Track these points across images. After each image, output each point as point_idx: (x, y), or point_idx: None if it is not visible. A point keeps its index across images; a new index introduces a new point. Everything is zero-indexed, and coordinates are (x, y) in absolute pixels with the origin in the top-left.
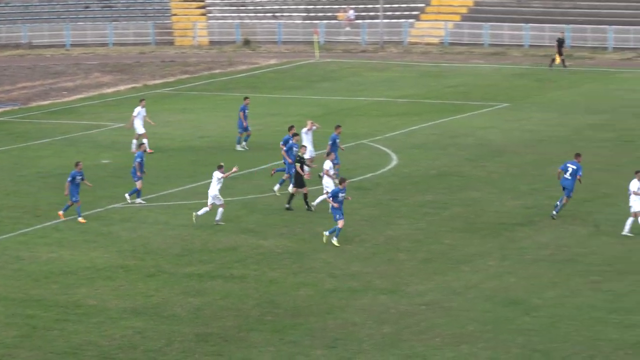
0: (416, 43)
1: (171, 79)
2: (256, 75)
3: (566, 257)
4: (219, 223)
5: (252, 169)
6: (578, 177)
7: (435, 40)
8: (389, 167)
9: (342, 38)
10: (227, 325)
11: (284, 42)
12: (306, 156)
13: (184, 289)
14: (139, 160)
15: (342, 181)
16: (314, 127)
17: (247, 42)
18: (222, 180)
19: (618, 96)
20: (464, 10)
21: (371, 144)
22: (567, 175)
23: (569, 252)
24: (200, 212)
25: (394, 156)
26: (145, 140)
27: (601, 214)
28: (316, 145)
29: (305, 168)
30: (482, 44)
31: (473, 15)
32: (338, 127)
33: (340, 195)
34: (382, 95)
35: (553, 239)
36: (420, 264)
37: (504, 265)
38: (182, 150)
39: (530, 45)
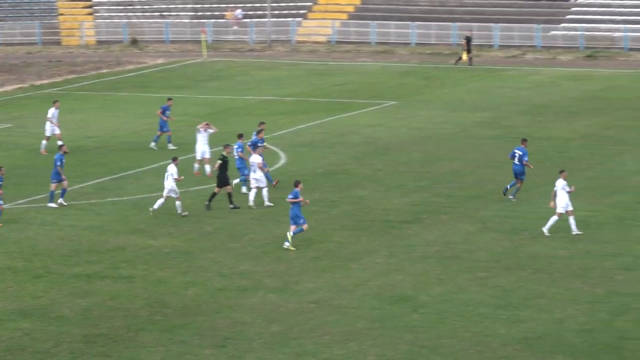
0: (304, 42)
1: (58, 79)
2: (144, 75)
3: (453, 253)
4: (183, 214)
5: (141, 169)
6: (525, 162)
7: (323, 38)
8: (277, 165)
9: (230, 37)
10: (116, 326)
11: (172, 42)
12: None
13: (72, 289)
14: (59, 163)
15: (297, 184)
16: (210, 131)
17: (134, 42)
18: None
19: (503, 94)
20: (350, 8)
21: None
22: (516, 161)
23: (456, 249)
24: (156, 206)
25: (282, 155)
26: (44, 142)
27: (487, 210)
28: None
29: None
30: (369, 42)
31: (360, 14)
32: (261, 123)
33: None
34: (270, 94)
35: (440, 236)
36: (309, 262)
37: (392, 263)
38: (70, 150)
39: (417, 44)
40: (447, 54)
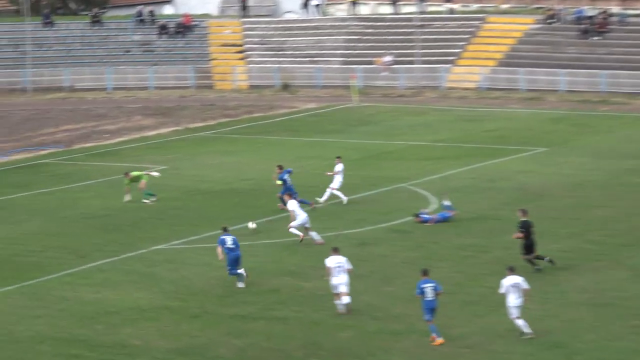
0: (453, 88)
1: (212, 122)
2: (295, 119)
3: (606, 300)
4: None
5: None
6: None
7: (472, 84)
8: (428, 209)
9: (380, 82)
10: None
11: (323, 87)
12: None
13: (228, 330)
14: None
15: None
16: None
17: (286, 87)
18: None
19: None
20: (499, 55)
21: (410, 187)
22: None
23: (608, 296)
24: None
25: (432, 199)
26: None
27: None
28: None
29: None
30: (518, 89)
31: (508, 61)
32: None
33: None
34: (420, 139)
35: (592, 282)
36: (461, 306)
37: (545, 309)
38: (224, 192)
39: (567, 91)
40: (595, 101)
